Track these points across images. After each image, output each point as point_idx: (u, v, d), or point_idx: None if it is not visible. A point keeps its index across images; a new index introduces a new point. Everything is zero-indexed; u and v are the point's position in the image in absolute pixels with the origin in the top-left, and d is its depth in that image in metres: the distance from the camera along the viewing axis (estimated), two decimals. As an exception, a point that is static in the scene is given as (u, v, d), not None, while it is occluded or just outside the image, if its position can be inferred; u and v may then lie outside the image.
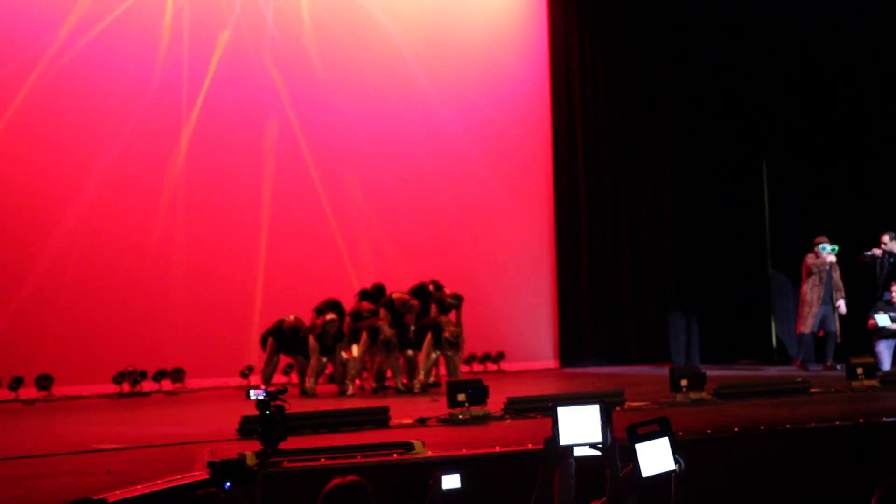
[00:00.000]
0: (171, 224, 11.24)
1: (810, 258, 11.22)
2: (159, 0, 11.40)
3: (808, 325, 11.13)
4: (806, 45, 12.54)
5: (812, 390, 8.08)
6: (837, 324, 11.13)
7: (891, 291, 10.49)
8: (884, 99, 12.06)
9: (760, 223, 13.05)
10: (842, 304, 11.12)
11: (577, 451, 3.24)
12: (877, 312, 10.38)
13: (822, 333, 11.18)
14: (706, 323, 13.32)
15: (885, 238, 10.90)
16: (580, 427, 3.20)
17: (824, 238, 11.17)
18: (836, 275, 11.17)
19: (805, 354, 11.31)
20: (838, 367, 10.59)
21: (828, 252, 11.08)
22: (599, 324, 13.49)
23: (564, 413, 3.21)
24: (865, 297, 10.93)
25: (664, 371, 9.30)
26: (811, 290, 11.13)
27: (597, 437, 3.19)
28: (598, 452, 3.22)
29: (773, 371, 11.32)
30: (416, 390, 9.65)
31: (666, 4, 13.63)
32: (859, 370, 8.15)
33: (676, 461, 3.24)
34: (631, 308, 13.60)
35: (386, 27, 12.70)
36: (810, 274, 11.16)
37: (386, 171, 12.48)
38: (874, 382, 8.17)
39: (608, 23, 13.95)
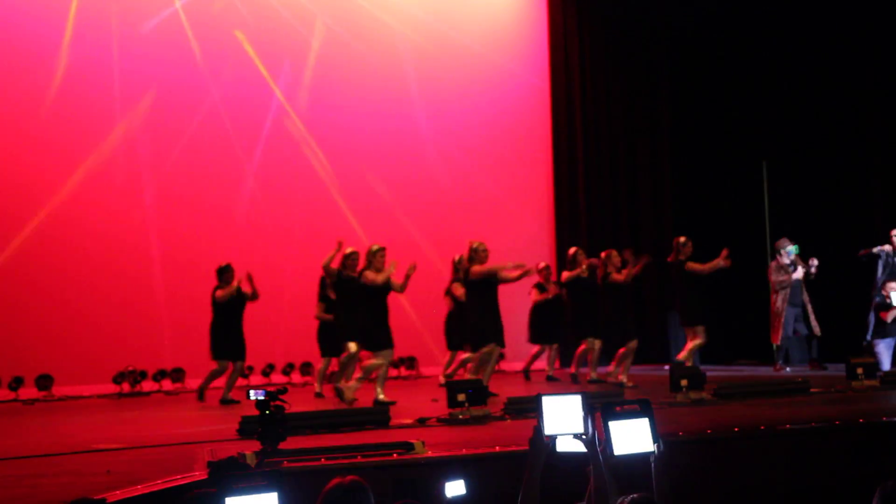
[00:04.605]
0: (172, 225, 11.23)
1: (773, 273, 11.24)
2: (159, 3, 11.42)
3: (780, 334, 11.22)
4: (806, 45, 12.53)
5: (812, 390, 8.09)
6: (814, 321, 11.12)
7: (885, 290, 10.44)
8: (884, 98, 12.04)
9: (760, 223, 13.03)
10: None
11: (562, 446, 3.37)
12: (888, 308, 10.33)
13: (797, 334, 11.19)
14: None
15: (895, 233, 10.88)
16: (563, 417, 3.35)
17: (785, 240, 11.17)
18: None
19: (784, 358, 11.34)
20: (827, 366, 10.62)
21: (793, 254, 11.08)
22: (599, 324, 13.44)
23: (548, 403, 3.30)
24: (862, 295, 10.92)
25: (664, 371, 9.30)
26: (780, 302, 11.18)
27: (579, 427, 3.32)
28: (580, 444, 3.34)
29: (772, 371, 11.31)
30: None
31: (666, 5, 13.62)
32: (859, 370, 8.16)
33: (656, 443, 3.28)
34: (631, 308, 13.53)
35: (387, 27, 12.70)
36: (779, 288, 11.19)
37: (386, 171, 12.48)
38: (874, 382, 8.17)
39: (608, 23, 13.94)
